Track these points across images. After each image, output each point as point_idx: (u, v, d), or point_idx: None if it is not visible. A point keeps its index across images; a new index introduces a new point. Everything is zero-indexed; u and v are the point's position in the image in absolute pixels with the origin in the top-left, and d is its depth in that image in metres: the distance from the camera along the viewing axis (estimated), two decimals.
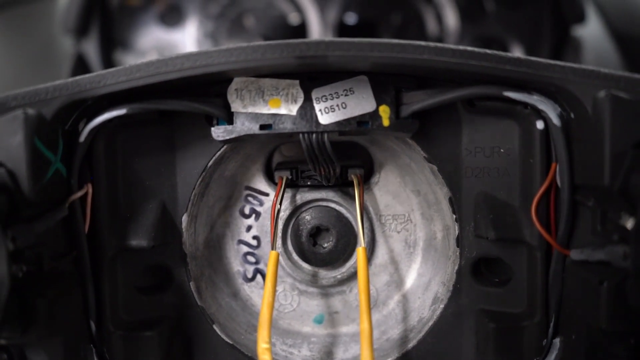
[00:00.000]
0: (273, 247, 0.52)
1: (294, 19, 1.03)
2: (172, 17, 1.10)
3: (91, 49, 1.04)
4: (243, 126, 0.49)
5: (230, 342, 0.54)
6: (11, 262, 0.40)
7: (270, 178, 0.58)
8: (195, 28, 1.07)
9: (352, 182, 0.55)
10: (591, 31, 1.00)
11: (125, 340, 0.50)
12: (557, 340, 0.48)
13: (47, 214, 0.44)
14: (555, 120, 0.45)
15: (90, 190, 0.48)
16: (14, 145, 0.41)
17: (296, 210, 0.58)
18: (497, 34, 0.96)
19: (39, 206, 0.44)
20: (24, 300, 0.43)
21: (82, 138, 0.46)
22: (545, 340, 0.49)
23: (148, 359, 0.50)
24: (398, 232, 0.58)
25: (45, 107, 0.43)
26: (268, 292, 0.49)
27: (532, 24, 0.96)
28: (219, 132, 0.49)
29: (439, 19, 0.96)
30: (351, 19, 1.01)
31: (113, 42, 1.07)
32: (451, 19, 0.95)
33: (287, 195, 0.57)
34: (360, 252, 0.51)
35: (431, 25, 0.96)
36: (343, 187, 0.58)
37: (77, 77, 0.45)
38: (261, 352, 0.46)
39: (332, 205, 0.58)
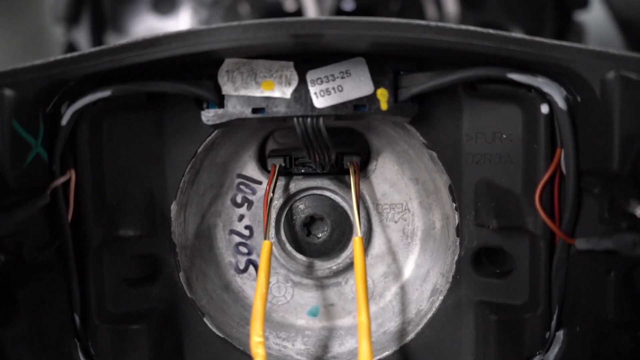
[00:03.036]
0: (266, 237, 0.50)
1: (289, 5, 1.00)
2: (165, 4, 1.07)
3: (82, 38, 1.01)
4: (234, 110, 0.46)
5: (222, 336, 0.52)
6: None
7: (263, 166, 0.56)
8: (189, 16, 1.04)
9: (348, 170, 0.53)
10: (594, 17, 0.98)
11: (111, 334, 0.48)
12: (560, 333, 0.47)
13: (27, 202, 0.42)
14: (561, 103, 0.44)
15: (73, 177, 0.45)
16: None
17: (290, 199, 0.56)
18: (498, 20, 0.93)
19: (19, 193, 0.41)
20: (4, 292, 0.41)
21: (64, 121, 0.44)
22: (548, 333, 0.47)
23: (136, 354, 0.48)
24: (395, 222, 0.56)
25: (23, 88, 0.41)
26: (261, 284, 0.47)
27: (533, 10, 0.94)
28: (209, 116, 0.47)
29: (439, 5, 0.94)
30: (348, 5, 0.99)
31: (104, 31, 1.04)
32: (451, 5, 0.93)
33: (281, 183, 0.55)
34: (356, 242, 0.49)
35: (431, 11, 0.93)
36: (339, 175, 0.56)
37: (58, 57, 0.42)
38: (254, 346, 0.44)
39: (327, 193, 0.56)
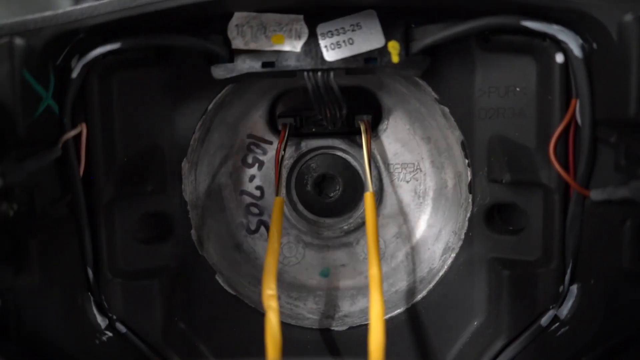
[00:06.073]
0: (278, 193, 0.50)
1: None
2: None
3: None
4: (244, 64, 0.46)
5: (234, 293, 0.53)
6: (1, 199, 0.38)
7: (273, 126, 0.56)
8: None
9: (359, 130, 0.53)
10: None
11: (124, 289, 0.48)
12: (574, 287, 0.46)
13: (39, 153, 0.42)
14: (577, 51, 0.43)
15: (84, 131, 0.45)
16: (1, 76, 0.38)
17: (301, 158, 0.56)
18: None
19: (30, 145, 0.42)
20: (16, 240, 0.41)
21: (74, 74, 0.44)
22: (562, 287, 0.47)
23: (148, 308, 0.48)
24: (407, 182, 0.56)
25: (34, 38, 0.40)
26: (273, 239, 0.47)
27: None
28: (219, 71, 0.46)
29: None
30: None
31: None
32: None
33: (291, 143, 0.55)
34: (368, 197, 0.49)
35: None
36: (350, 134, 0.55)
37: (68, 9, 0.42)
38: (266, 299, 0.44)
39: (339, 153, 0.56)
